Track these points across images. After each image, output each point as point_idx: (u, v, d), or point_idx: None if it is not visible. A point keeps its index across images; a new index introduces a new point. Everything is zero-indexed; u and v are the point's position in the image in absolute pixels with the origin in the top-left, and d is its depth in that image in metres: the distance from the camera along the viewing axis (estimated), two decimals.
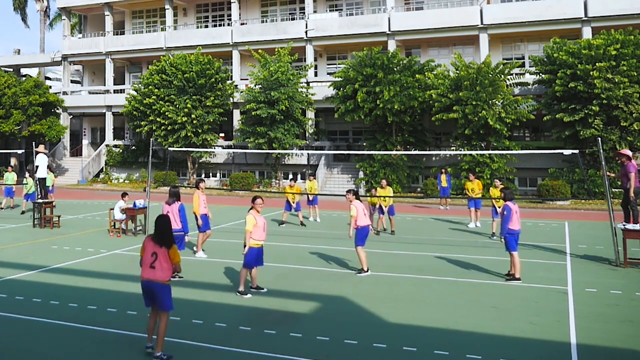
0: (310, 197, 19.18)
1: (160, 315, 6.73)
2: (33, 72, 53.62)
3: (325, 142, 34.49)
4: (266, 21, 37.18)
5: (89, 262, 12.18)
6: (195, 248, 12.96)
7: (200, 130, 32.46)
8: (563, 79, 24.77)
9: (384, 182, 16.69)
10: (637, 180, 11.91)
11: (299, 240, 15.06)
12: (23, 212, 21.29)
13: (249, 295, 9.34)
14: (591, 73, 23.93)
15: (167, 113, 31.82)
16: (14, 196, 23.33)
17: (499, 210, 15.51)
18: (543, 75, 26.33)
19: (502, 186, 16.25)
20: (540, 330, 7.64)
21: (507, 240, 10.47)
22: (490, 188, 16.59)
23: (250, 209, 9.50)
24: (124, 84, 41.10)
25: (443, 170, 24.37)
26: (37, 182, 17.89)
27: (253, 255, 9.38)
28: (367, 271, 10.99)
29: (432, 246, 14.17)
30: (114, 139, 39.46)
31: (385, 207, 16.41)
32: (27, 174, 23.03)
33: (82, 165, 38.26)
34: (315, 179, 20.51)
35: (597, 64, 23.91)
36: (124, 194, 16.05)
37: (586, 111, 24.51)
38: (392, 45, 32.04)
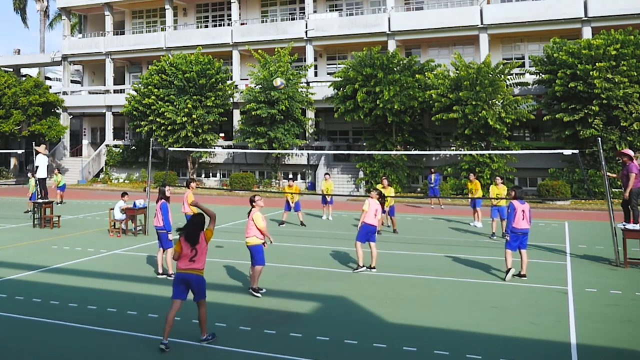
0: (328, 198, 19.39)
1: (199, 304, 7.23)
2: (33, 72, 53.59)
3: (325, 142, 34.49)
4: (266, 21, 37.17)
5: (89, 262, 12.18)
6: None
7: (200, 130, 32.46)
8: (563, 79, 24.77)
9: (385, 181, 16.66)
10: (637, 181, 11.90)
11: (299, 240, 15.05)
12: (27, 212, 21.34)
13: (264, 290, 9.44)
14: (591, 73, 23.93)
15: (166, 113, 31.82)
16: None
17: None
18: (543, 75, 26.32)
19: (502, 183, 16.28)
20: (540, 330, 7.64)
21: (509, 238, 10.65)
22: (491, 186, 16.56)
23: (252, 208, 9.53)
24: (124, 84, 41.09)
25: (432, 170, 24.64)
26: (37, 182, 17.88)
27: (262, 252, 9.45)
28: (363, 267, 11.11)
29: (432, 246, 14.16)
30: (114, 139, 39.45)
31: (387, 206, 16.36)
32: (29, 174, 23.16)
33: (82, 165, 38.25)
34: (330, 178, 20.56)
35: (597, 64, 23.91)
36: (123, 194, 16.06)
37: (586, 111, 24.51)
38: (392, 45, 32.04)
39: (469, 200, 18.44)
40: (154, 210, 10.96)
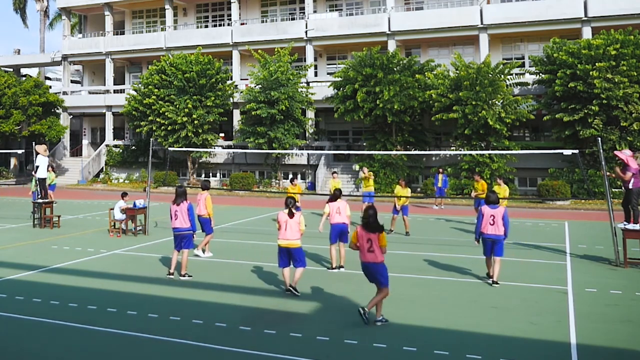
0: None
1: (380, 289, 7.89)
2: (33, 72, 53.58)
3: (325, 142, 34.49)
4: (266, 21, 37.18)
5: (89, 262, 12.18)
6: (202, 248, 12.87)
7: (200, 130, 32.47)
8: (563, 79, 24.77)
9: (402, 182, 16.62)
10: (637, 181, 11.91)
11: None
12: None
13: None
14: (591, 73, 23.93)
15: (167, 113, 31.83)
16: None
17: None
18: (543, 75, 26.32)
19: (503, 184, 16.29)
20: (540, 330, 7.64)
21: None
22: (493, 186, 16.61)
23: (292, 210, 9.37)
24: (124, 84, 41.09)
25: (440, 170, 24.58)
26: (37, 182, 17.89)
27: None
28: (335, 269, 11.28)
29: (432, 246, 14.16)
30: (114, 139, 39.45)
31: (399, 206, 16.24)
32: (33, 172, 23.26)
33: (82, 165, 38.25)
34: (338, 177, 20.45)
35: (597, 64, 23.91)
36: (124, 194, 16.05)
37: (586, 111, 24.51)
38: (392, 45, 32.04)
39: (474, 200, 18.37)
40: (171, 211, 10.62)
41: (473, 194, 18.11)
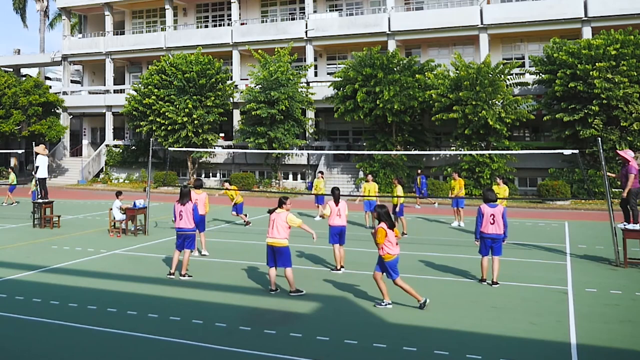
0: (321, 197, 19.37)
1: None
2: (33, 72, 53.58)
3: (325, 142, 34.50)
4: (266, 21, 37.18)
5: (89, 262, 12.18)
6: (201, 248, 12.91)
7: (200, 130, 32.48)
8: (563, 79, 24.78)
9: (395, 180, 16.54)
10: (636, 181, 11.92)
11: (298, 240, 15.01)
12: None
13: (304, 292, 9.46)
14: (591, 73, 23.94)
15: (167, 113, 31.83)
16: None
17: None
18: (543, 75, 26.33)
19: (503, 184, 16.29)
20: (540, 330, 7.64)
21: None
22: (493, 186, 16.62)
23: (278, 208, 9.46)
24: (124, 84, 41.10)
25: (419, 172, 24.81)
26: (37, 182, 17.89)
27: (290, 253, 9.55)
28: (339, 270, 11.24)
29: (431, 246, 14.16)
30: (114, 139, 39.46)
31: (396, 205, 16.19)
32: (12, 162, 23.58)
33: (82, 165, 38.26)
34: (322, 177, 20.44)
35: (597, 64, 23.91)
36: (118, 193, 16.08)
37: (586, 111, 24.52)
38: (392, 45, 32.04)
39: (452, 200, 18.43)
40: (174, 211, 10.66)
41: (451, 194, 18.15)
